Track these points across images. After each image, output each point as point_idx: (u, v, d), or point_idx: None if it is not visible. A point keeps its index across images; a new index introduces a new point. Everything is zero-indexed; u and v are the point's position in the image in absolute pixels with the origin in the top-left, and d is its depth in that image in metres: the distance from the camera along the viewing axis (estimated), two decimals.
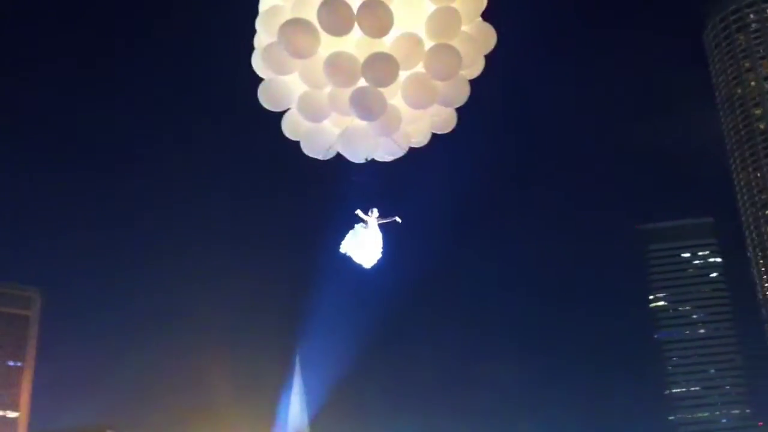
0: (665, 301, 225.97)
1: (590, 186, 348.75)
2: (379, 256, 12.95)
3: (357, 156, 12.46)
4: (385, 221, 13.25)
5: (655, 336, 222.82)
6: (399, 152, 12.56)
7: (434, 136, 13.13)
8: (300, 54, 11.52)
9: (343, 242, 13.09)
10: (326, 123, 12.41)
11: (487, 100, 13.03)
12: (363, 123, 11.98)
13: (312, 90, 12.05)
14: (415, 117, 12.33)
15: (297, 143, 12.71)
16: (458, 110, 12.95)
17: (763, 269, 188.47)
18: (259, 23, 12.21)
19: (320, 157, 12.53)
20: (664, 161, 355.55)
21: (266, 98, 12.41)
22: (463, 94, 12.32)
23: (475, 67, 12.62)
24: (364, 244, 12.86)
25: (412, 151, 13.08)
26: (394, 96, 11.89)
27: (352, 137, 12.20)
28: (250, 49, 12.75)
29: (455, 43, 12.00)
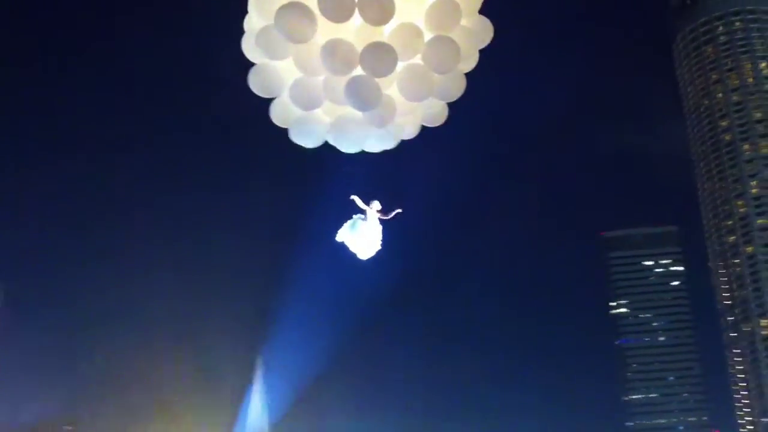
0: (627, 308, 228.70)
1: (556, 192, 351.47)
2: (378, 248, 12.59)
3: (348, 146, 12.08)
4: (386, 218, 12.86)
5: (616, 342, 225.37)
6: (391, 144, 12.21)
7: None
8: (297, 39, 11.09)
9: (339, 231, 12.68)
10: (318, 111, 11.98)
11: (451, 105, 12.71)
12: (356, 113, 11.59)
13: (306, 77, 11.61)
14: (409, 109, 11.97)
15: (268, 130, 12.24)
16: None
17: (723, 279, 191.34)
18: (252, 5, 11.72)
19: (310, 146, 12.12)
20: (630, 169, 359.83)
21: (257, 83, 11.95)
22: (459, 88, 12.04)
23: (470, 62, 12.31)
24: (362, 235, 12.47)
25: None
26: (390, 86, 11.53)
27: (344, 127, 11.80)
28: (235, 32, 12.26)
29: (454, 36, 11.68)
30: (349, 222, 12.69)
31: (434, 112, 12.43)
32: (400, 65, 11.41)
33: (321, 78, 11.54)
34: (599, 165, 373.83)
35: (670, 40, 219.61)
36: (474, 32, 12.05)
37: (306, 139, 12.12)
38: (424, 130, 12.64)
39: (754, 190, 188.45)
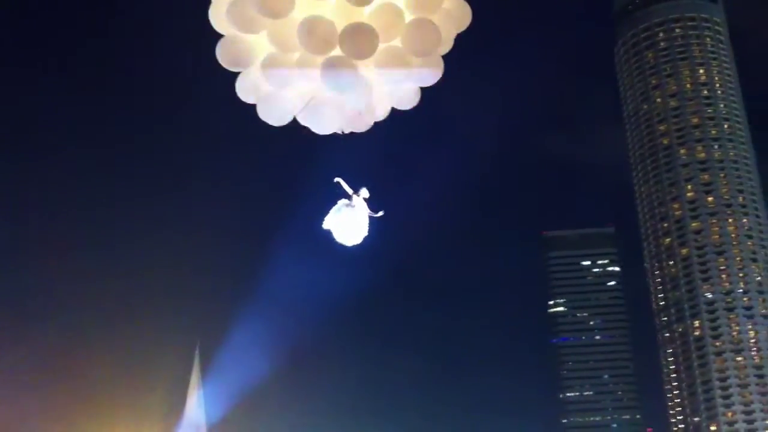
0: (564, 306, 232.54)
1: (498, 192, 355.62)
2: (365, 234, 11.99)
3: (321, 127, 11.47)
4: (374, 215, 12.27)
5: (552, 340, 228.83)
6: (364, 126, 11.66)
7: None
8: (273, 14, 10.39)
9: (326, 218, 12.04)
10: (289, 89, 11.32)
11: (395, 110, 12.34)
12: (331, 93, 10.99)
13: (279, 53, 10.91)
14: (384, 91, 11.42)
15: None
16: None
17: (658, 280, 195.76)
18: None
19: (277, 124, 11.48)
20: (570, 171, 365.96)
21: (226, 56, 11.19)
22: (436, 72, 11.49)
23: (446, 46, 11.81)
24: (349, 222, 11.86)
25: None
26: (366, 68, 10.95)
27: (318, 108, 11.18)
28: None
29: (435, 18, 11.19)
30: (335, 208, 12.07)
31: (407, 95, 11.90)
32: (379, 47, 10.84)
33: (295, 55, 10.89)
34: (540, 166, 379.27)
35: (612, 45, 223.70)
36: (454, 15, 11.58)
37: (274, 116, 11.47)
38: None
39: (689, 194, 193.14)
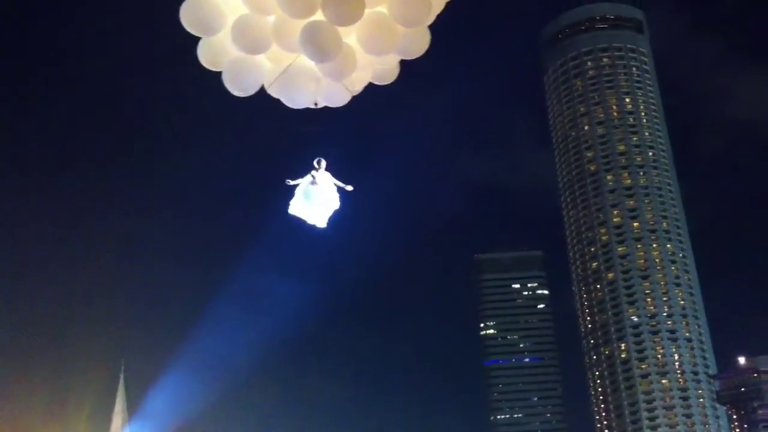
0: (495, 329, 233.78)
1: (431, 215, 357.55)
2: (336, 206, 10.86)
3: (296, 101, 10.31)
4: (344, 186, 11.14)
5: (484, 363, 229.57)
6: (343, 100, 10.53)
7: None
8: None
9: (291, 203, 10.87)
10: (260, 56, 10.13)
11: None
12: (308, 63, 9.85)
13: (254, 14, 9.71)
14: (366, 63, 10.32)
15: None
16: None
17: (585, 303, 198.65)
18: None
19: (244, 94, 10.28)
20: (501, 195, 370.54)
21: (191, 18, 9.92)
22: (423, 44, 10.47)
23: (432, 17, 10.81)
24: (316, 200, 10.71)
25: None
26: (349, 36, 9.85)
27: (294, 79, 10.02)
28: None
29: None
30: (300, 190, 10.90)
31: (387, 68, 10.84)
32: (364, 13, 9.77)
33: (271, 18, 9.72)
34: (472, 190, 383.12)
35: (542, 73, 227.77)
36: None
37: (241, 85, 10.25)
38: None
39: (615, 219, 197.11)
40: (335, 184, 11.03)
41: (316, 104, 10.41)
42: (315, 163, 11.11)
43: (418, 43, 10.47)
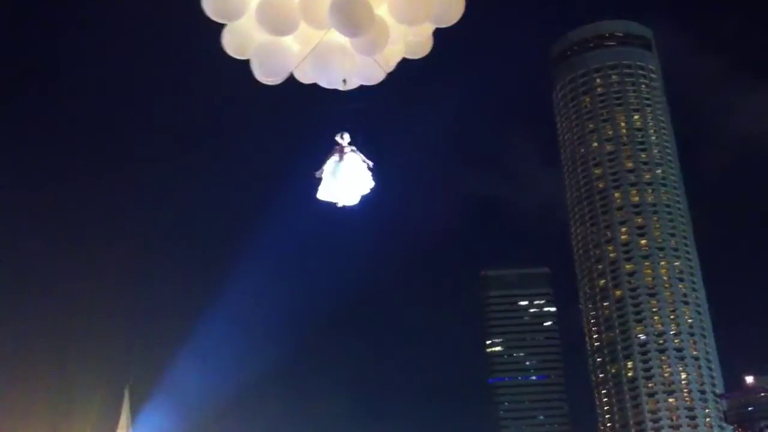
0: (501, 346, 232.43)
1: (439, 231, 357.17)
2: (370, 184, 10.48)
3: (329, 79, 10.01)
4: (366, 161, 10.72)
5: (489, 381, 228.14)
6: (379, 76, 10.18)
7: None
8: None
9: (320, 188, 10.50)
10: (288, 38, 9.86)
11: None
12: (339, 39, 9.55)
13: None
14: (398, 35, 9.98)
15: None
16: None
17: (593, 321, 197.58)
18: None
19: (276, 80, 9.99)
20: (509, 212, 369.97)
21: (214, 3, 9.68)
22: (458, 9, 10.04)
23: None
24: (344, 176, 10.35)
25: None
26: (380, 6, 9.54)
27: (325, 55, 9.72)
28: None
29: None
30: (327, 169, 10.52)
31: (420, 41, 10.46)
32: None
33: None
34: (479, 206, 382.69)
35: (550, 89, 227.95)
36: None
37: (272, 70, 9.95)
38: None
39: (623, 237, 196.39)
40: (363, 161, 10.63)
41: (344, 81, 10.09)
42: (338, 138, 10.71)
43: (453, 9, 10.05)
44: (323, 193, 10.45)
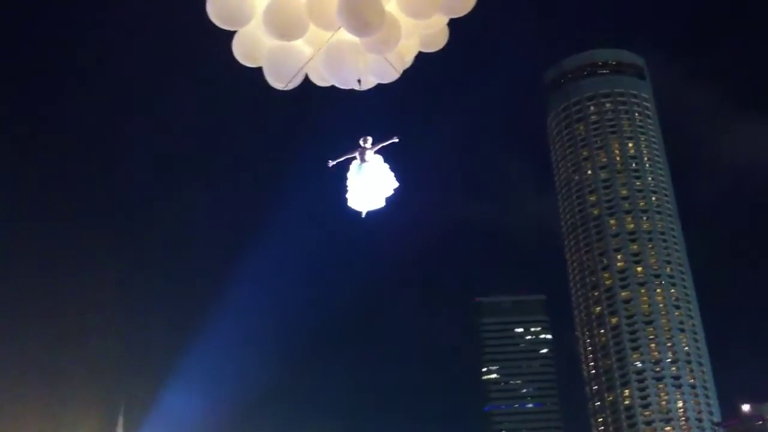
0: (497, 373, 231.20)
1: (434, 258, 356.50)
2: (394, 184, 10.30)
3: (342, 81, 9.82)
4: (383, 144, 10.58)
5: (485, 408, 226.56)
6: (393, 75, 9.97)
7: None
8: None
9: (348, 196, 10.32)
10: (298, 42, 9.69)
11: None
12: (350, 36, 9.36)
13: None
14: (409, 30, 9.77)
15: None
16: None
17: (589, 348, 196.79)
18: None
19: (291, 85, 9.80)
20: (504, 239, 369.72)
21: (219, 10, 9.51)
22: (469, 0, 9.78)
23: None
24: (370, 178, 10.18)
25: None
26: (389, 2, 9.35)
27: (336, 58, 9.54)
28: None
29: None
30: (353, 174, 10.35)
31: (434, 32, 10.22)
32: None
33: None
34: (474, 234, 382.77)
35: (544, 116, 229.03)
36: None
37: (285, 73, 9.76)
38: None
39: (619, 264, 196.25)
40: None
41: (359, 81, 9.91)
42: (361, 142, 10.58)
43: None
44: (353, 201, 10.27)
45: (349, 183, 10.31)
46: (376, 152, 10.48)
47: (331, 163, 10.56)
